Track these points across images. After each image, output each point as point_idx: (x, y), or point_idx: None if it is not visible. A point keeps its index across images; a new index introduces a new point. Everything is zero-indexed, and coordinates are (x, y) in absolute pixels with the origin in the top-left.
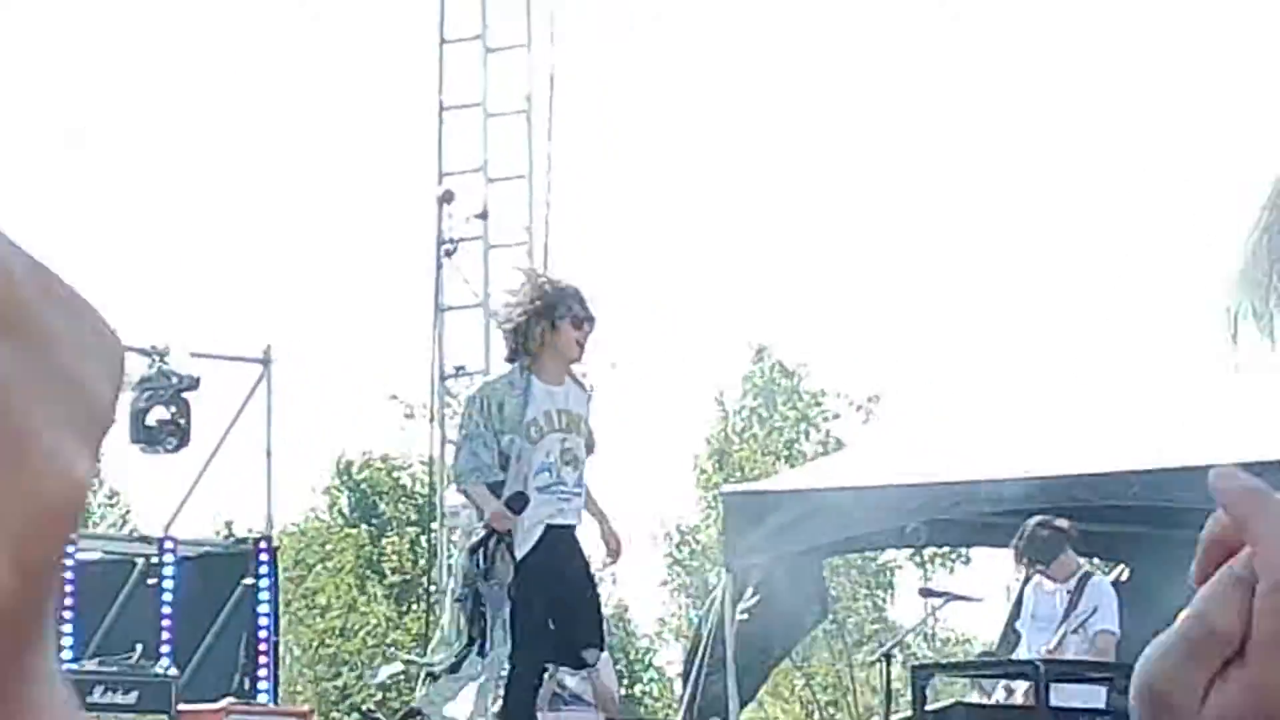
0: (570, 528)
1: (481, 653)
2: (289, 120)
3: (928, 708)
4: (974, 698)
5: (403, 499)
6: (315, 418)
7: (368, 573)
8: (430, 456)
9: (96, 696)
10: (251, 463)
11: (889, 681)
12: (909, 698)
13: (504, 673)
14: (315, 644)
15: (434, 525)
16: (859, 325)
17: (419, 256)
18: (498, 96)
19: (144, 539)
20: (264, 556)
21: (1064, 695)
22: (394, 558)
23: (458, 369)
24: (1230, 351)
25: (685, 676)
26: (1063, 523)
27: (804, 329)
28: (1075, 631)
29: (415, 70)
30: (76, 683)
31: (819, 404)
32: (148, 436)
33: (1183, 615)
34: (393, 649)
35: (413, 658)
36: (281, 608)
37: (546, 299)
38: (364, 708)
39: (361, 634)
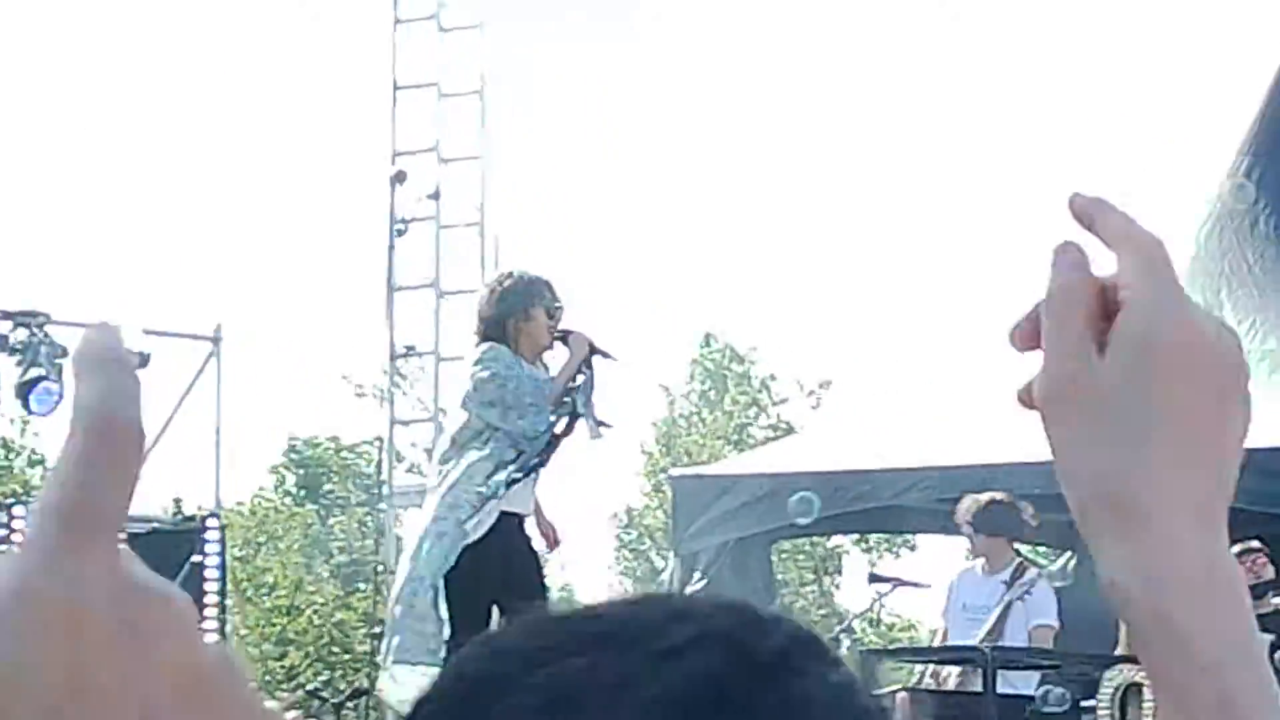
0: (523, 517)
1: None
2: (242, 98)
3: (874, 693)
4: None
5: (352, 479)
6: (265, 396)
7: (315, 552)
8: (379, 436)
9: None
10: (200, 441)
11: None
12: None
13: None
14: (262, 623)
15: (382, 506)
16: (809, 311)
17: (371, 236)
18: (451, 77)
19: None
20: (212, 535)
21: (1007, 682)
22: (342, 537)
23: (409, 348)
24: None
25: None
26: (1020, 506)
27: (754, 314)
28: (1009, 619)
29: (369, 50)
30: None
31: (768, 389)
32: None
33: (1045, 312)
34: (339, 630)
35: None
36: (229, 586)
37: (519, 290)
38: (310, 687)
39: (309, 613)
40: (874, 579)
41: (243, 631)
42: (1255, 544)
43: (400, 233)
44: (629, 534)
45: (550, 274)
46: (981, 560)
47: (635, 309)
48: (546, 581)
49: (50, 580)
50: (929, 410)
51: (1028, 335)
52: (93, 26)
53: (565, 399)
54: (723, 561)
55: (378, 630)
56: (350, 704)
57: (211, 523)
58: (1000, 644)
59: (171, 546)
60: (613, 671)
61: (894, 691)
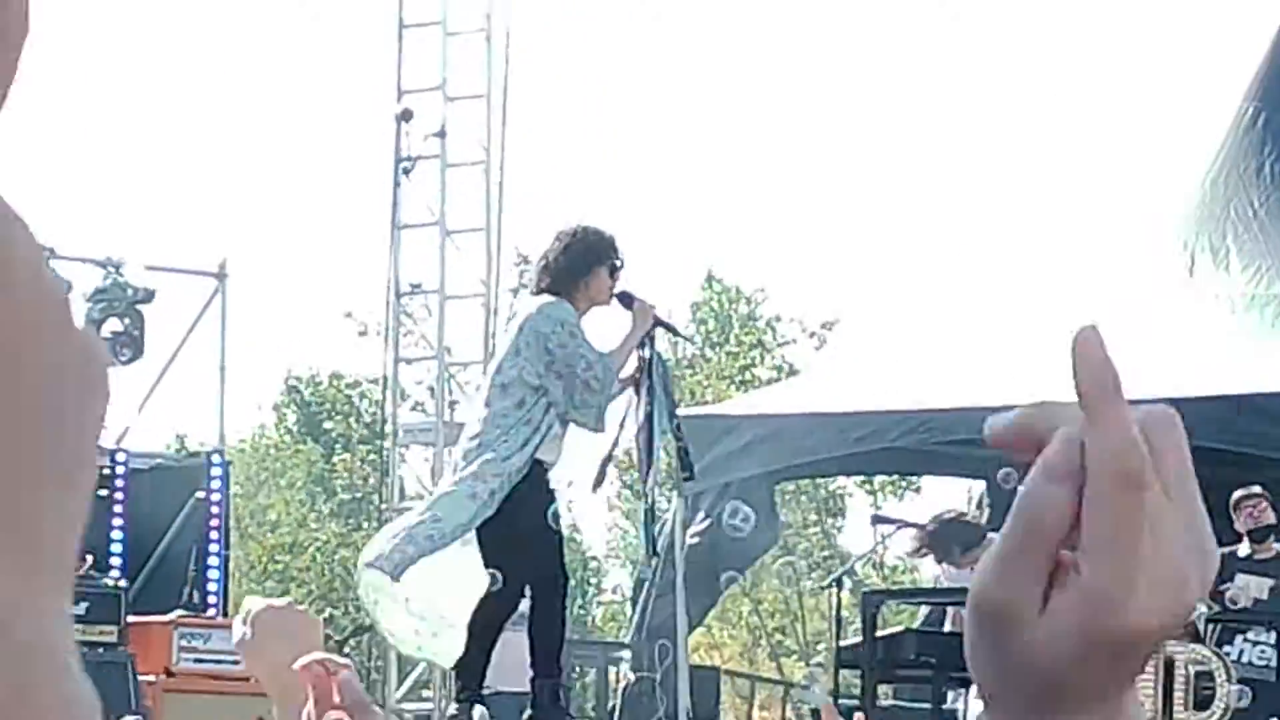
0: (549, 465)
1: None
2: (248, 36)
3: (878, 634)
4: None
5: (354, 417)
6: (269, 333)
7: (318, 490)
8: (383, 374)
9: None
10: (205, 377)
11: (839, 608)
12: (858, 625)
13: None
14: (265, 560)
15: (385, 444)
16: (814, 251)
17: (376, 174)
18: (457, 15)
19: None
20: (216, 470)
21: None
22: (345, 475)
23: (414, 286)
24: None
25: (634, 600)
26: (971, 517)
27: (759, 255)
28: None
29: None
30: None
31: (773, 329)
32: None
33: (1010, 516)
34: (342, 567)
35: None
36: (232, 523)
37: (589, 245)
38: None
39: (311, 550)
40: (877, 520)
41: (245, 569)
42: (1256, 489)
43: (406, 171)
44: (631, 475)
45: (555, 213)
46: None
47: (640, 247)
48: (562, 528)
49: None
50: (933, 352)
51: (1001, 441)
52: None
53: (637, 379)
54: (726, 501)
55: None
56: (353, 641)
57: (215, 459)
58: None
59: (175, 482)
60: None
61: (898, 633)
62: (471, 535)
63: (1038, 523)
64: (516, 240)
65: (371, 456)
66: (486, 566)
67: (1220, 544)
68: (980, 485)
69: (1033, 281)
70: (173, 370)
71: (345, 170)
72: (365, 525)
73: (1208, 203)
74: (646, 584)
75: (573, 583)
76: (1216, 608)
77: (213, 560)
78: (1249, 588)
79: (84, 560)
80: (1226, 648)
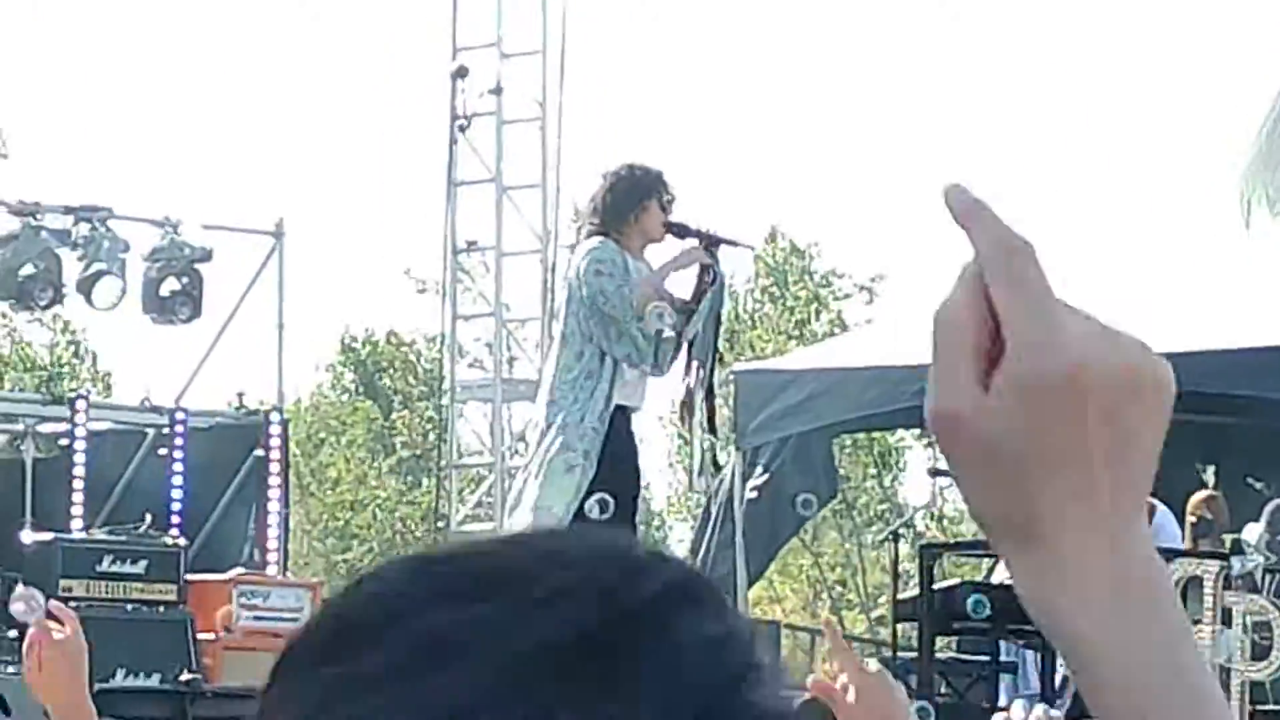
0: (632, 411)
1: None
2: None
3: (935, 586)
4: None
5: (412, 373)
6: (327, 291)
7: (378, 447)
8: (441, 331)
9: (105, 565)
10: (263, 335)
11: (896, 561)
12: (917, 577)
13: None
14: (326, 517)
15: (444, 401)
16: (863, 206)
17: (433, 131)
18: None
19: (155, 409)
20: (275, 429)
21: None
22: (404, 432)
23: (470, 244)
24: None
25: (694, 553)
26: None
27: (814, 208)
28: None
29: None
30: (86, 551)
31: (829, 284)
32: (160, 307)
33: (935, 325)
34: (402, 524)
35: None
36: (293, 481)
37: (636, 182)
38: None
39: (372, 508)
40: (935, 473)
41: (306, 526)
42: None
43: (462, 128)
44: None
45: (614, 169)
46: None
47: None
48: (643, 478)
49: None
50: None
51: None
52: None
53: (694, 306)
54: (784, 455)
55: (440, 525)
56: None
57: (274, 417)
58: None
59: (234, 440)
60: (482, 622)
61: (955, 585)
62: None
63: (951, 324)
64: (573, 195)
65: (430, 414)
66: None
67: None
68: None
69: (1087, 234)
70: (231, 329)
71: (401, 128)
72: (424, 481)
73: (1264, 154)
74: (705, 538)
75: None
76: (1274, 558)
77: (272, 518)
78: None
79: (143, 519)
80: None
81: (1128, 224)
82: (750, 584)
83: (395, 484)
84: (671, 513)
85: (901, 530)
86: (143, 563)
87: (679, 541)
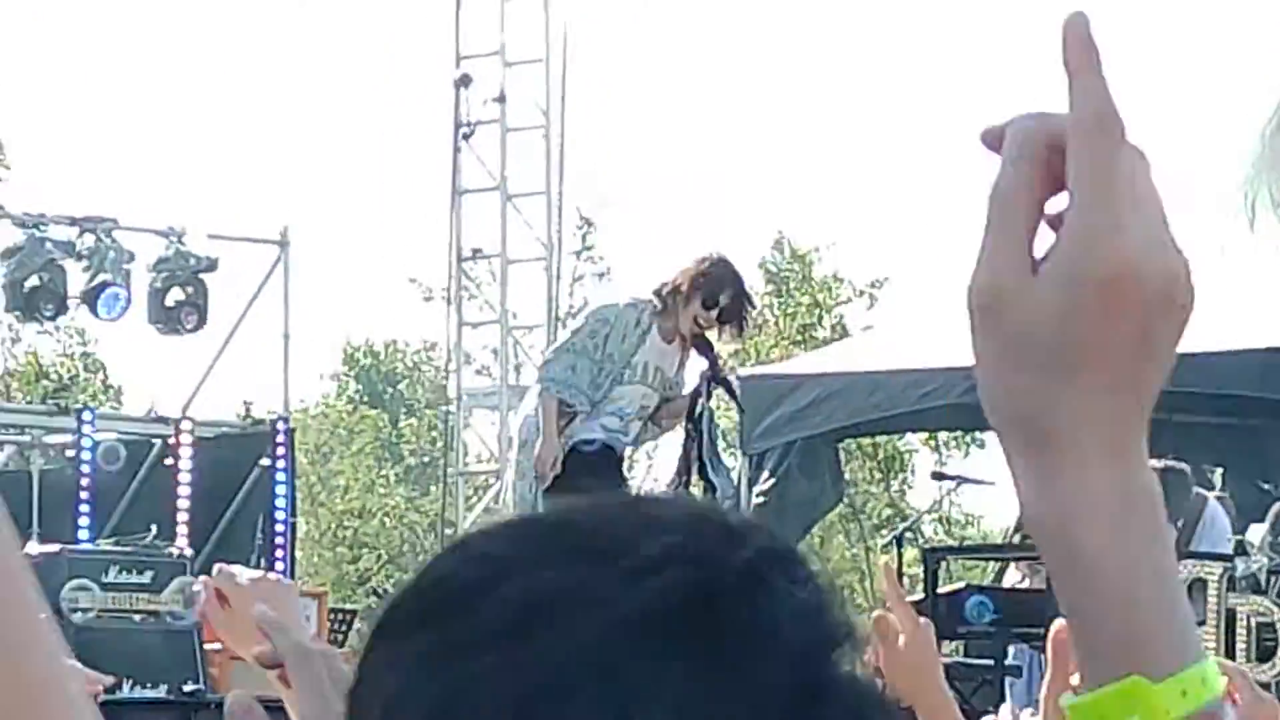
0: (617, 451)
1: None
2: (308, 4)
3: (939, 590)
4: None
5: (419, 382)
6: (332, 300)
7: (385, 456)
8: (447, 339)
9: (111, 576)
10: (269, 345)
11: (900, 565)
12: (922, 581)
13: None
14: (334, 526)
15: (451, 409)
16: (862, 210)
17: (436, 140)
18: None
19: (161, 420)
20: (281, 438)
21: None
22: (412, 440)
23: (475, 251)
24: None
25: None
26: (1175, 465)
27: (816, 213)
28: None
29: None
30: (92, 562)
31: (831, 289)
32: (165, 317)
33: (985, 216)
34: (411, 532)
35: None
36: (301, 490)
37: (704, 273)
38: (381, 590)
39: (380, 516)
40: (938, 477)
41: (315, 535)
42: None
43: (466, 136)
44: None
45: (616, 176)
46: None
47: (703, 210)
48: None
49: None
50: None
51: (996, 144)
52: None
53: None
54: (790, 461)
55: (449, 532)
56: None
57: (280, 426)
58: None
59: (241, 450)
60: (585, 586)
61: (959, 589)
62: None
63: (1008, 201)
64: (578, 203)
65: (438, 423)
66: None
67: None
68: None
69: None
70: (237, 339)
71: (405, 136)
72: (432, 489)
73: (1269, 154)
74: None
75: None
76: (1278, 559)
77: (279, 528)
78: None
79: (150, 529)
80: None
81: None
82: None
83: (404, 491)
84: None
85: (907, 534)
86: (149, 573)
87: None
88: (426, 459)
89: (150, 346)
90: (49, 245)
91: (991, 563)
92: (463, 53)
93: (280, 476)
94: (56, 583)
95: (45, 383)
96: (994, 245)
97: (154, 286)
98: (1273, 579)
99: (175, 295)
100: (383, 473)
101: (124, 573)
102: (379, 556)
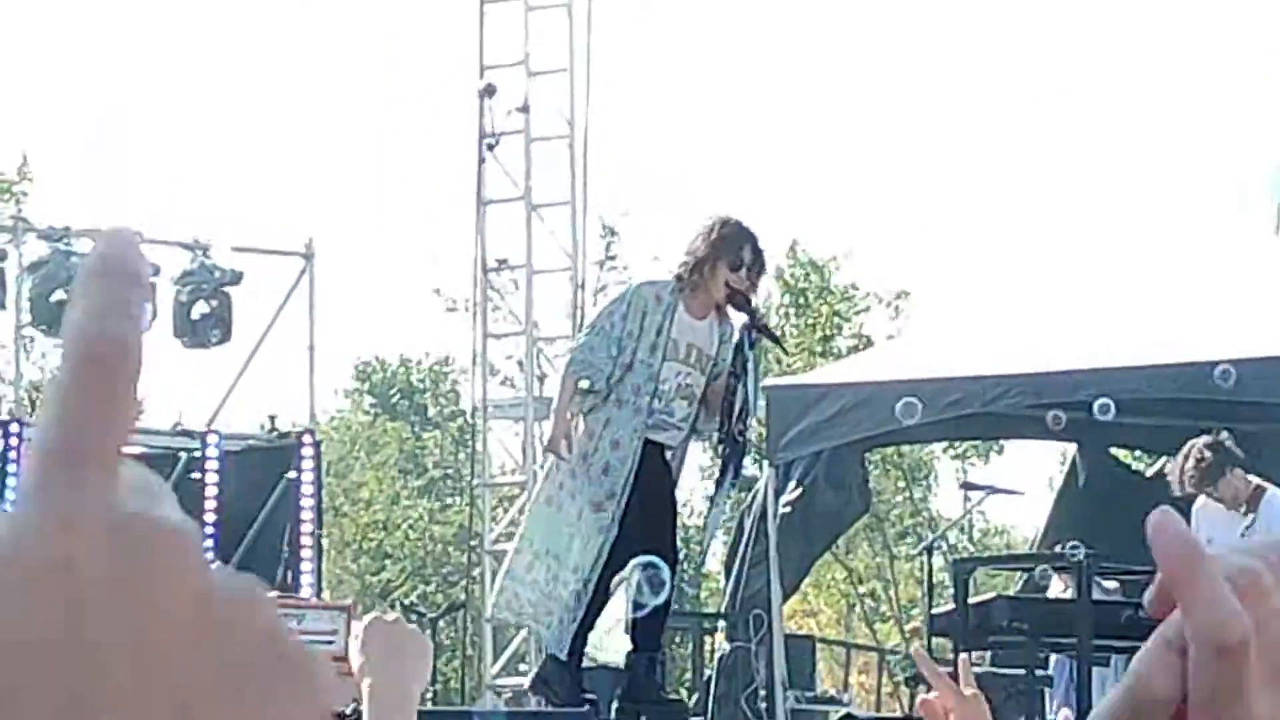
0: (663, 446)
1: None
2: (331, 15)
3: (970, 601)
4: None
5: (441, 395)
6: (358, 311)
7: (409, 467)
8: (472, 350)
9: None
10: (294, 357)
11: (930, 575)
12: (951, 590)
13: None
14: (359, 538)
15: (471, 418)
16: (885, 221)
17: (461, 150)
18: None
19: (187, 433)
20: (307, 450)
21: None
22: (435, 451)
23: (500, 262)
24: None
25: (728, 569)
26: (1225, 439)
27: (839, 223)
28: None
29: None
30: None
31: (850, 299)
32: (190, 330)
33: (1124, 678)
34: (434, 543)
35: None
36: (325, 502)
37: (720, 237)
38: (406, 601)
39: (404, 527)
40: (968, 487)
41: (340, 547)
42: None
43: (490, 147)
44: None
45: (641, 185)
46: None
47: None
48: (677, 515)
49: (39, 529)
50: (1016, 316)
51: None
52: None
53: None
54: (817, 470)
55: (473, 544)
56: (447, 617)
57: (306, 439)
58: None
59: (266, 463)
60: None
61: (990, 599)
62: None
63: (1144, 683)
64: (602, 213)
65: (461, 435)
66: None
67: None
68: (1072, 448)
69: (1119, 242)
70: (262, 351)
71: (430, 147)
72: (456, 501)
73: None
74: (739, 554)
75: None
76: None
77: (306, 540)
78: None
79: None
80: None
81: (1161, 234)
82: (784, 599)
83: (427, 503)
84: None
85: (934, 546)
86: None
87: (712, 556)
88: (449, 470)
89: (172, 359)
90: (74, 259)
91: (1016, 572)
92: (487, 63)
93: (306, 489)
94: None
95: None
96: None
97: (179, 300)
98: None
99: (200, 308)
100: (407, 484)
101: None
102: (403, 568)
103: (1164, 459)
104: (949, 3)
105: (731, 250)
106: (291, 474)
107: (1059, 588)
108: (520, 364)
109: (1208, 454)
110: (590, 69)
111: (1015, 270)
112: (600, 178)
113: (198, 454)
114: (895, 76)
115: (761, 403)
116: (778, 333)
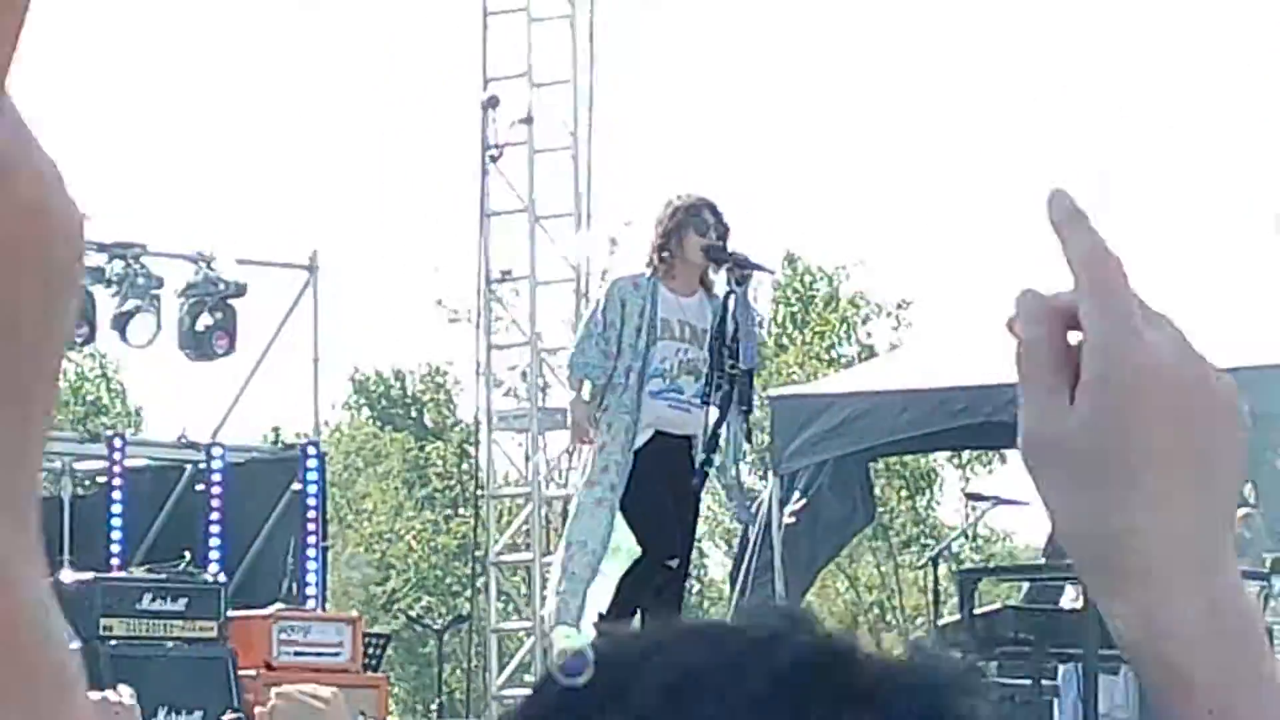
0: (681, 438)
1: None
2: (334, 26)
3: (976, 611)
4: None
5: (440, 406)
6: (360, 323)
7: (413, 478)
8: (477, 361)
9: (145, 603)
10: (298, 369)
11: (936, 584)
12: (956, 600)
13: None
14: (363, 548)
15: (472, 428)
16: (888, 231)
17: (464, 162)
18: (542, 0)
19: (192, 445)
20: (311, 462)
21: None
22: (439, 463)
23: (504, 273)
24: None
25: (732, 580)
26: None
27: (836, 234)
28: None
29: None
30: (126, 590)
31: (857, 307)
32: (195, 343)
33: (1019, 364)
34: (439, 555)
35: None
36: (329, 513)
37: (672, 215)
38: (411, 613)
39: (407, 538)
40: (973, 497)
41: (345, 557)
42: None
43: (494, 158)
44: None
45: (643, 196)
46: None
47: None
48: (697, 511)
49: None
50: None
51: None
52: None
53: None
54: (822, 480)
55: (478, 555)
56: (452, 629)
57: (310, 451)
58: None
59: (271, 475)
60: (724, 658)
61: (997, 610)
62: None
63: (1034, 353)
64: (606, 223)
65: (466, 445)
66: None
67: None
68: None
69: (1122, 248)
70: (266, 363)
71: (433, 159)
72: (460, 511)
73: None
74: (744, 563)
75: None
76: None
77: (310, 552)
78: None
79: (182, 556)
80: None
81: (1163, 242)
82: None
83: (430, 514)
84: (710, 538)
85: (938, 556)
86: (183, 600)
87: (718, 565)
88: (452, 482)
89: (177, 372)
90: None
91: (1022, 583)
92: (490, 75)
93: (311, 501)
94: (91, 611)
95: (73, 408)
96: (1028, 397)
97: (183, 312)
98: None
99: (204, 321)
100: (411, 495)
101: (158, 600)
102: (407, 579)
103: None
104: (948, 14)
105: (693, 217)
106: (296, 485)
107: (1071, 596)
108: (524, 375)
109: None
110: (593, 80)
111: (1018, 279)
112: (605, 189)
113: (203, 466)
114: (898, 87)
115: (766, 411)
116: (782, 343)
